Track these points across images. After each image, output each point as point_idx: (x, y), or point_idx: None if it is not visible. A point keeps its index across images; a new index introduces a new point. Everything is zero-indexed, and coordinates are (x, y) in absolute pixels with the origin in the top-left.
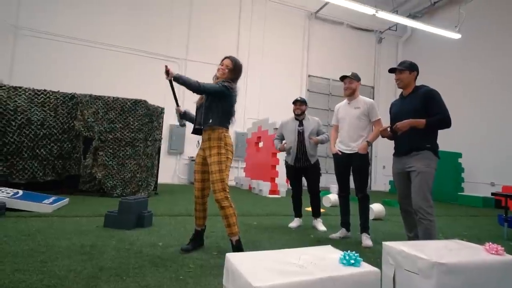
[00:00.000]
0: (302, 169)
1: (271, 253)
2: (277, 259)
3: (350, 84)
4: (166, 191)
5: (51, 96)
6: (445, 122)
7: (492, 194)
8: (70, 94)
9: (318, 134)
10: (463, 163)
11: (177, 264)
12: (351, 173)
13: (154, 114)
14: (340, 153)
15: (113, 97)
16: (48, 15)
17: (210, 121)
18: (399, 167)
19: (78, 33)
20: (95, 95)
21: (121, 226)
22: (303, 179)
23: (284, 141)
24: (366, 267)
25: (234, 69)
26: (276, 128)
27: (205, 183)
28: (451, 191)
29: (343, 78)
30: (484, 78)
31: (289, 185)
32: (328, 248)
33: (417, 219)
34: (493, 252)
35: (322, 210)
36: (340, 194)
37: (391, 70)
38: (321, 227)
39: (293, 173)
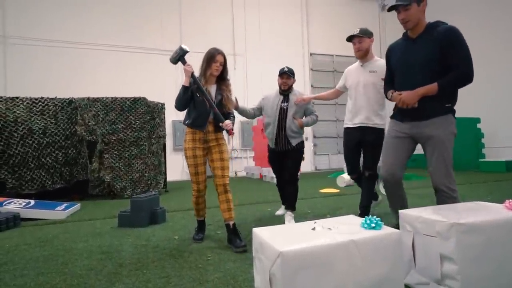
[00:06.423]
0: (282, 152)
1: (294, 224)
2: (300, 228)
3: (360, 44)
4: (176, 188)
5: (49, 103)
6: (466, 79)
7: None
8: (68, 99)
9: (306, 113)
10: (483, 128)
11: (195, 254)
12: (362, 150)
13: (155, 111)
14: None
15: (112, 98)
16: (35, 21)
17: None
18: (404, 130)
19: (68, 36)
20: (93, 98)
21: (135, 225)
22: None
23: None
24: (387, 230)
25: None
26: None
27: (205, 175)
28: (472, 159)
29: (350, 39)
30: (502, 36)
31: (272, 172)
32: (350, 217)
33: (439, 198)
34: None
35: (335, 191)
36: (353, 177)
37: (392, 8)
38: (288, 222)
39: (275, 158)
